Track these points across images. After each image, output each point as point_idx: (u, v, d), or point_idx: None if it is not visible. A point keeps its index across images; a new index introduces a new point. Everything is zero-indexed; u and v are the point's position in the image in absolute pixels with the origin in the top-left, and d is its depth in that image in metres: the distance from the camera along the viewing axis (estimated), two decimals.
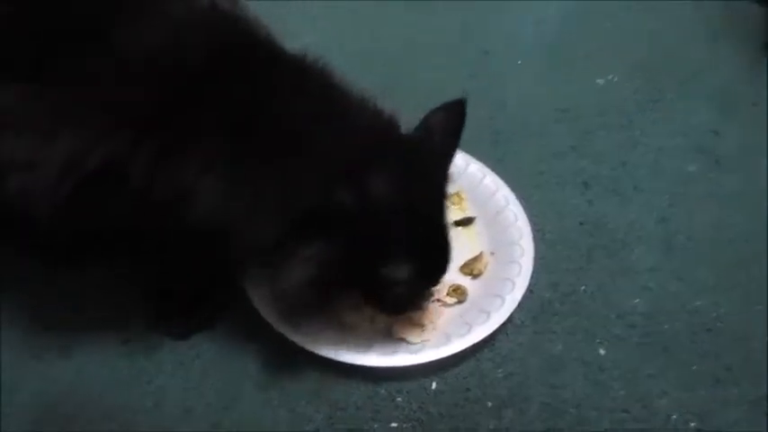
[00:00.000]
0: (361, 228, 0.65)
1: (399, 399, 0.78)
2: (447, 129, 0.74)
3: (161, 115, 0.64)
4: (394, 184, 0.66)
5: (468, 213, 0.93)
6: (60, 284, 0.82)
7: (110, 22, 0.65)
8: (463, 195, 0.94)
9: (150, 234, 0.69)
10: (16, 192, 0.64)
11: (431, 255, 0.73)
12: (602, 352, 0.82)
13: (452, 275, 0.85)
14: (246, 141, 0.66)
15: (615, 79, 1.15)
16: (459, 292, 0.84)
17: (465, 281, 0.86)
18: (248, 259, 0.75)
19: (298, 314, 0.76)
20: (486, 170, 0.95)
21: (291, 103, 0.68)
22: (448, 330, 0.80)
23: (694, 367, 0.82)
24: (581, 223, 0.95)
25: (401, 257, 0.69)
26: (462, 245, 0.88)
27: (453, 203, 0.92)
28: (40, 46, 0.64)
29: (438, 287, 0.82)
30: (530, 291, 0.85)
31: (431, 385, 0.79)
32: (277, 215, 0.66)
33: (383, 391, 0.78)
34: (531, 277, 0.85)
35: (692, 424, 0.77)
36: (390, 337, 0.80)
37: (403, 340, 0.79)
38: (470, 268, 0.86)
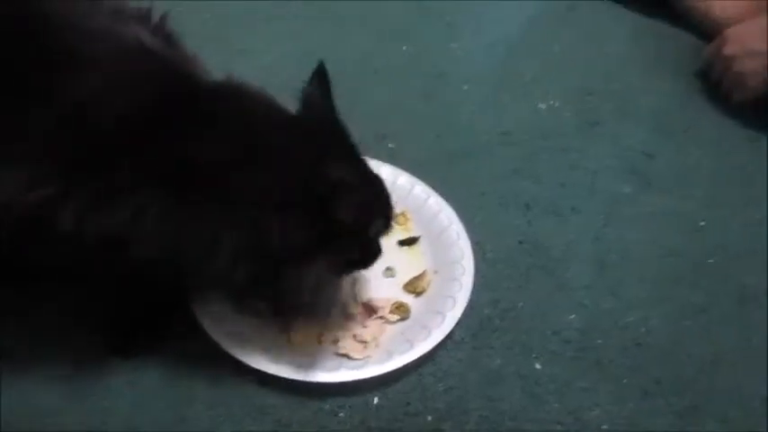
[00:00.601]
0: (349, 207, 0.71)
1: (342, 414, 0.80)
2: (321, 95, 0.77)
3: (89, 164, 0.65)
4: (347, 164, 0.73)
5: (413, 233, 0.96)
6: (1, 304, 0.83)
7: (38, 71, 0.65)
8: (408, 216, 0.97)
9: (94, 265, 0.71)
10: None
11: (388, 202, 0.80)
12: (538, 366, 0.86)
13: (396, 293, 0.89)
14: (181, 183, 0.67)
15: (556, 104, 1.19)
16: (402, 310, 0.87)
17: (408, 298, 0.89)
18: (208, 285, 0.78)
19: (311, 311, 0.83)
20: (431, 191, 0.99)
21: (222, 137, 0.70)
22: (390, 347, 0.83)
23: (624, 380, 0.86)
24: (521, 242, 0.98)
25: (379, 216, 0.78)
26: (407, 263, 0.92)
27: (399, 224, 0.95)
28: None
29: (382, 305, 0.86)
30: (470, 308, 0.88)
31: (373, 400, 0.81)
32: (245, 256, 0.70)
33: (327, 407, 0.80)
34: (472, 294, 0.88)
35: None
36: (334, 353, 0.82)
37: (346, 356, 0.82)
38: (414, 286, 0.90)
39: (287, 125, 0.75)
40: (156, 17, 0.76)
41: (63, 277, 0.78)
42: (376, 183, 0.79)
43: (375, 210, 0.77)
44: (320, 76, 0.77)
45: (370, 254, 0.80)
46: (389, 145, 1.09)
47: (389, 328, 0.86)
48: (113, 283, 0.76)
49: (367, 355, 0.82)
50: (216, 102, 0.72)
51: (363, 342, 0.83)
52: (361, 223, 0.74)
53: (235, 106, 0.73)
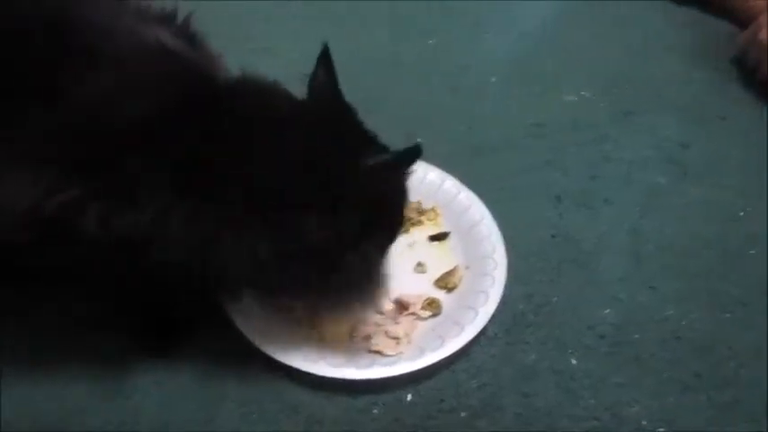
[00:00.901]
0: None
1: (375, 411, 0.79)
2: (327, 83, 0.76)
3: (111, 165, 0.64)
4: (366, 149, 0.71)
5: (443, 228, 0.95)
6: (33, 303, 0.83)
7: (60, 71, 0.65)
8: (438, 211, 0.96)
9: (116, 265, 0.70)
10: None
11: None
12: (573, 361, 0.84)
13: (427, 289, 0.88)
14: (204, 183, 0.67)
15: (588, 95, 1.17)
16: (433, 306, 0.86)
17: (440, 294, 0.88)
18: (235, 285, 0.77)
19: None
20: (461, 186, 0.98)
21: (242, 134, 0.68)
22: (422, 343, 0.82)
23: (663, 375, 0.84)
24: (553, 236, 0.97)
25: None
26: (438, 259, 0.91)
27: (429, 219, 0.95)
28: None
29: (414, 301, 0.85)
30: (503, 303, 0.87)
31: (406, 397, 0.80)
32: (275, 255, 0.69)
33: (359, 404, 0.79)
34: (504, 289, 0.87)
35: (662, 430, 0.79)
36: (366, 350, 0.81)
37: (379, 353, 0.81)
38: (445, 282, 0.88)
39: (304, 117, 0.73)
40: (180, 17, 0.76)
41: (79, 278, 0.77)
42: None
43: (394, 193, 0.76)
44: (325, 60, 0.76)
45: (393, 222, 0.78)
46: (418, 140, 1.07)
47: (421, 324, 0.85)
48: (138, 283, 0.75)
49: (399, 352, 0.81)
50: (236, 100, 0.71)
51: (395, 338, 0.82)
52: (392, 203, 0.74)
53: (254, 103, 0.72)
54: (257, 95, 0.73)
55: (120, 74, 0.67)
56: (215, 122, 0.68)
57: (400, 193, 0.77)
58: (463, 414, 0.80)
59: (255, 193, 0.68)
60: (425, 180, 0.96)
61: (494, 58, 1.24)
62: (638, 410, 0.81)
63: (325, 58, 0.76)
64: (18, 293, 0.83)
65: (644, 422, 0.80)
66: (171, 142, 0.66)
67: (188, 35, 0.75)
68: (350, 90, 1.13)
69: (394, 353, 0.81)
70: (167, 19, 0.75)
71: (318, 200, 0.69)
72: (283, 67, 1.11)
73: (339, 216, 0.69)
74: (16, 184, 0.63)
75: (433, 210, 0.96)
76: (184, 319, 0.84)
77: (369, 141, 0.75)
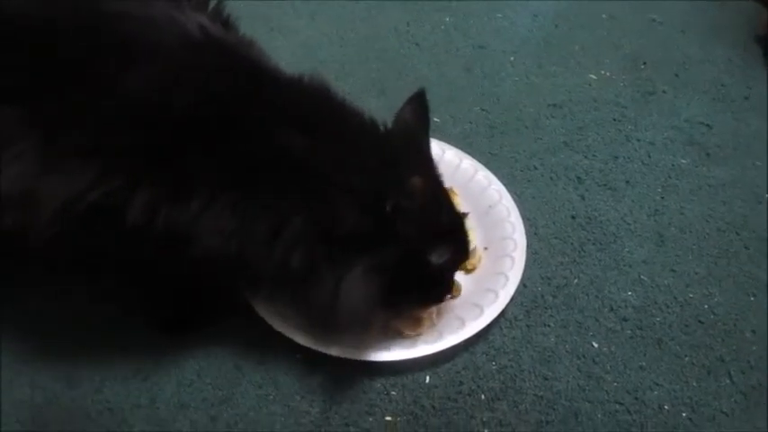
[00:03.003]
0: (408, 223, 0.67)
1: (394, 392, 0.78)
2: (418, 119, 0.75)
3: (158, 157, 0.63)
4: (426, 182, 0.68)
5: (461, 209, 0.92)
6: (53, 284, 0.83)
7: (105, 63, 0.64)
8: (455, 191, 0.94)
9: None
10: (12, 228, 0.64)
11: (459, 231, 0.76)
12: (594, 345, 0.83)
13: None
14: (253, 177, 0.65)
15: (608, 74, 1.15)
16: (453, 288, 0.84)
17: (459, 276, 0.86)
18: (266, 284, 0.76)
19: (358, 329, 0.77)
20: (479, 165, 0.96)
21: (294, 130, 0.67)
22: (441, 326, 0.80)
23: (686, 359, 0.82)
24: (573, 217, 0.95)
25: (444, 242, 0.72)
26: None
27: None
28: (38, 83, 0.63)
29: None
30: (523, 285, 0.86)
31: (425, 379, 0.79)
32: (305, 242, 0.67)
33: (378, 385, 0.79)
34: (524, 271, 0.85)
35: (684, 414, 0.78)
36: (385, 331, 0.80)
37: (398, 334, 0.80)
38: (464, 263, 0.87)
39: (368, 131, 0.71)
40: (212, 2, 0.74)
41: (102, 263, 0.76)
42: (450, 215, 0.75)
43: (438, 236, 0.71)
44: (419, 101, 0.75)
45: (433, 284, 0.75)
46: (435, 119, 1.05)
47: (441, 306, 0.83)
48: (163, 269, 0.73)
49: (418, 333, 0.79)
50: (287, 95, 0.70)
51: (417, 319, 0.80)
52: (418, 244, 0.70)
53: (306, 101, 0.70)
54: (309, 93, 0.71)
55: (168, 64, 0.65)
56: (267, 113, 0.67)
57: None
58: (483, 397, 0.79)
59: (304, 196, 0.66)
60: (443, 159, 0.94)
61: (511, 37, 1.22)
62: (661, 394, 0.80)
63: (419, 99, 0.75)
64: (37, 274, 0.82)
65: (666, 406, 0.79)
66: (222, 132, 0.65)
67: (222, 20, 0.74)
68: (365, 70, 1.11)
69: (413, 334, 0.79)
70: (201, 4, 0.73)
71: (368, 209, 0.67)
72: (297, 47, 1.10)
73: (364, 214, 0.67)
74: (65, 172, 0.62)
75: (450, 190, 0.94)
76: (203, 301, 0.83)
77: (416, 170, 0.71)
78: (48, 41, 0.64)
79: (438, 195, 0.73)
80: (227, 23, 0.74)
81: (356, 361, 0.77)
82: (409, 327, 0.80)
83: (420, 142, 0.75)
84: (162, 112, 0.63)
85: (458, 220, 0.76)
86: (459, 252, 0.76)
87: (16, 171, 0.62)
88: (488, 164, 0.97)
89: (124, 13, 0.67)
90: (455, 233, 0.75)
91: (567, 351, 0.83)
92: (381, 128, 0.73)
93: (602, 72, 1.15)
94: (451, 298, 0.84)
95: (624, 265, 0.91)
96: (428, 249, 0.71)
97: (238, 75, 0.69)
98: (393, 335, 0.80)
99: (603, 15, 1.26)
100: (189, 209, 0.63)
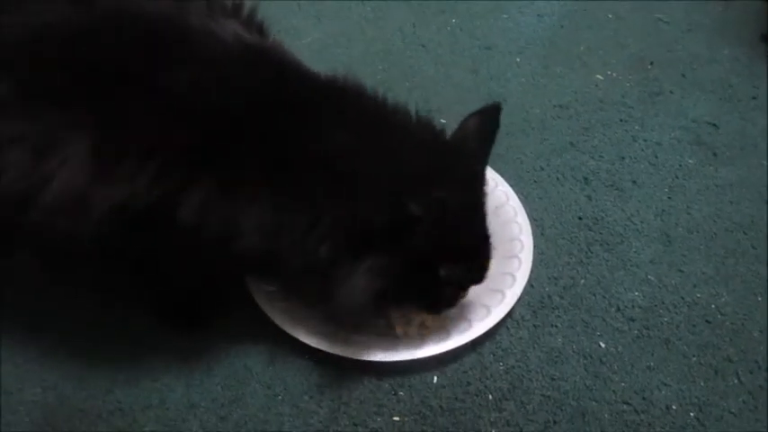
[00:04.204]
0: (424, 235, 0.67)
1: (402, 393, 0.79)
2: (482, 133, 0.75)
3: (207, 157, 0.64)
4: (452, 194, 0.67)
5: None
6: (63, 283, 0.83)
7: (150, 66, 0.65)
8: None
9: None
10: (63, 232, 0.65)
11: (478, 254, 0.74)
12: (601, 345, 0.83)
13: None
14: (290, 172, 0.66)
15: (614, 75, 1.15)
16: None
17: None
18: (289, 277, 0.76)
19: (355, 324, 0.78)
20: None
21: (333, 129, 0.68)
22: (448, 326, 0.81)
23: (694, 359, 0.83)
24: (580, 218, 0.95)
25: (458, 259, 0.71)
26: None
27: None
28: (83, 86, 0.64)
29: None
30: (530, 285, 0.86)
31: (432, 379, 0.80)
32: (332, 236, 0.67)
33: (386, 386, 0.79)
34: (531, 272, 0.86)
35: (692, 414, 0.78)
36: (392, 333, 0.81)
37: (405, 335, 0.80)
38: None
39: (413, 134, 0.72)
40: (246, 10, 0.75)
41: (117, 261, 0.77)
42: (474, 235, 0.74)
43: (452, 253, 0.71)
44: (490, 115, 0.76)
45: (436, 296, 0.75)
46: (441, 120, 1.06)
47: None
48: (178, 268, 0.74)
49: (424, 334, 0.80)
50: (326, 96, 0.70)
51: (423, 321, 0.81)
52: (429, 256, 0.70)
53: (345, 102, 0.71)
54: (348, 95, 0.72)
55: (210, 67, 0.66)
56: (306, 112, 0.68)
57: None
58: (490, 397, 0.79)
59: (336, 194, 0.67)
60: None
61: (517, 38, 1.22)
62: (668, 394, 0.80)
63: (491, 113, 0.76)
64: (44, 272, 0.83)
65: (674, 406, 0.79)
66: (266, 133, 0.66)
67: (257, 27, 0.75)
68: (371, 72, 1.12)
69: (401, 330, 0.80)
70: (235, 11, 0.74)
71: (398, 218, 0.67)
72: (303, 48, 1.11)
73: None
74: (120, 175, 0.63)
75: None
76: (213, 300, 0.84)
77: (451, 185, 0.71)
78: (91, 45, 0.65)
79: (468, 214, 0.72)
80: (261, 29, 0.75)
81: (364, 361, 0.78)
82: (399, 322, 0.80)
83: (470, 156, 0.74)
84: (208, 113, 0.65)
85: (480, 242, 0.74)
86: (473, 273, 0.75)
87: (68, 175, 0.62)
88: (495, 165, 0.97)
89: (164, 16, 0.68)
90: (472, 254, 0.74)
91: (574, 351, 0.83)
92: (431, 133, 0.72)
93: (609, 72, 1.15)
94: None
95: (631, 266, 0.91)
96: (439, 264, 0.71)
97: (277, 77, 0.70)
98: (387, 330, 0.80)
99: (609, 15, 1.26)
100: (236, 207, 0.65)
